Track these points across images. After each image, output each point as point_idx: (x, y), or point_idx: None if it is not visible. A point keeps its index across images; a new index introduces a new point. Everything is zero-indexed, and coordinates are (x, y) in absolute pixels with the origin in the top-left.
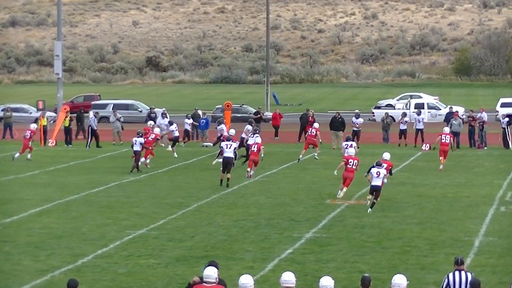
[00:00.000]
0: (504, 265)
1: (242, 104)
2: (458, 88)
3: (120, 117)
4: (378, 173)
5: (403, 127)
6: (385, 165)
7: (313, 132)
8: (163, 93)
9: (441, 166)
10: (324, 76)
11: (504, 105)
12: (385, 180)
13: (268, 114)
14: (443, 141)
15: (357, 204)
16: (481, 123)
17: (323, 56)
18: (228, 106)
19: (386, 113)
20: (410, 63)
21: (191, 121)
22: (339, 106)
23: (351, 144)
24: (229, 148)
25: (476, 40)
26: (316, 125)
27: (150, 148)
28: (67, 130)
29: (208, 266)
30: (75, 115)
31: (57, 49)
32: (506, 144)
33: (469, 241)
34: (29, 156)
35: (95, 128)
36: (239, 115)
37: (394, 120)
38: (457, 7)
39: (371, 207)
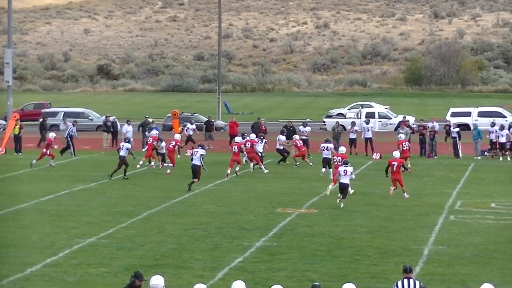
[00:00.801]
0: (453, 274)
1: (194, 113)
2: (409, 97)
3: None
4: (345, 171)
5: (352, 136)
6: (351, 167)
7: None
8: (114, 102)
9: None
10: (275, 85)
11: (454, 114)
12: (353, 176)
13: (220, 123)
14: (404, 148)
15: (307, 213)
16: (433, 133)
17: (275, 65)
18: (175, 114)
19: (337, 122)
20: (362, 72)
21: (193, 126)
22: (290, 115)
23: (327, 147)
24: (196, 155)
25: (427, 50)
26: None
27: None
28: (17, 138)
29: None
30: (39, 123)
31: (8, 56)
32: (456, 154)
33: (419, 249)
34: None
35: (76, 137)
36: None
37: (345, 129)
38: (408, 17)
39: (342, 204)
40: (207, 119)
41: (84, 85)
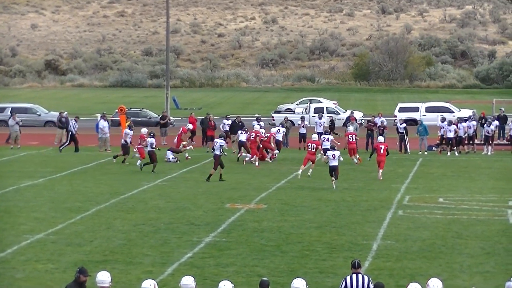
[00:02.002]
0: (401, 268)
1: (142, 108)
2: (357, 93)
3: (20, 121)
4: (333, 155)
5: (303, 131)
6: (337, 151)
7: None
8: (63, 97)
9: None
10: (224, 80)
11: (402, 110)
12: (341, 159)
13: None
14: (350, 140)
15: (256, 208)
16: (382, 128)
17: (223, 60)
18: (121, 110)
19: (286, 118)
20: (310, 67)
21: (229, 121)
22: (239, 110)
23: (328, 138)
24: (216, 145)
25: (374, 45)
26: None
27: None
28: None
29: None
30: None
31: None
32: (404, 149)
33: (367, 244)
34: None
35: (75, 133)
36: (139, 119)
37: (294, 124)
38: (356, 13)
39: (335, 182)
40: (162, 115)
41: (32, 81)
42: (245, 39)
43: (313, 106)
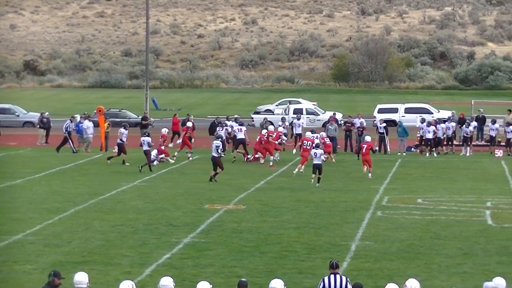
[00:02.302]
0: (380, 269)
1: (121, 109)
2: (337, 94)
3: None
4: (315, 154)
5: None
6: (321, 149)
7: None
8: (42, 97)
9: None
10: (204, 81)
11: (381, 111)
12: (323, 157)
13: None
14: (327, 143)
15: (235, 209)
16: (361, 129)
17: (203, 61)
18: (100, 111)
19: (265, 118)
20: (290, 68)
21: (230, 123)
22: (219, 111)
23: (317, 136)
24: (212, 147)
25: (354, 46)
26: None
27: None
28: None
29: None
30: None
31: None
32: (384, 149)
33: (346, 245)
34: None
35: (66, 133)
36: (118, 119)
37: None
38: (335, 14)
39: (318, 182)
40: (143, 115)
41: (10, 81)
42: (225, 40)
43: (292, 107)
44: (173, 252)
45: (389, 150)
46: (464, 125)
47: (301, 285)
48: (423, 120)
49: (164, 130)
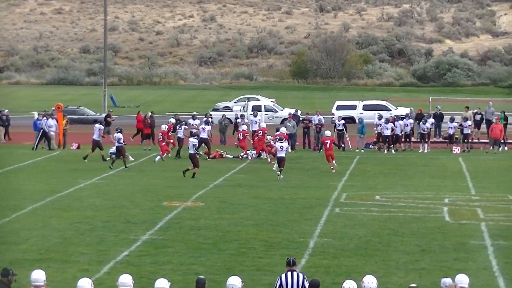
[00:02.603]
0: (338, 266)
1: (79, 106)
2: (295, 91)
3: None
4: (281, 147)
5: (243, 128)
6: (285, 142)
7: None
8: None
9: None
10: (162, 78)
11: (339, 108)
12: (289, 150)
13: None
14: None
15: (194, 206)
16: (319, 126)
17: (161, 58)
18: (58, 108)
19: (223, 115)
20: (248, 65)
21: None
22: (177, 108)
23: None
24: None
25: (312, 43)
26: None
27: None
28: None
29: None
30: None
31: None
32: (342, 146)
33: (304, 242)
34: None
35: (47, 131)
36: (76, 116)
37: (231, 122)
38: (294, 11)
39: (280, 172)
40: (107, 114)
41: None
42: (183, 37)
43: (251, 104)
44: (131, 249)
45: (350, 147)
46: (421, 122)
47: (259, 282)
48: (380, 117)
49: (164, 127)
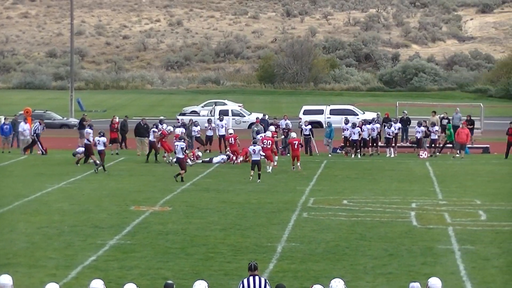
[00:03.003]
0: (306, 270)
1: (46, 110)
2: (262, 95)
3: None
4: (254, 150)
5: (209, 133)
6: (259, 145)
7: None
8: None
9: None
10: (129, 83)
11: (306, 112)
12: (262, 153)
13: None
14: (268, 146)
15: (161, 210)
16: (286, 130)
17: (128, 62)
18: (27, 112)
19: (191, 120)
20: (215, 70)
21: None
22: (144, 112)
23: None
24: (177, 149)
25: (279, 48)
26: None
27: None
28: None
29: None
30: None
31: None
32: (309, 151)
33: (272, 246)
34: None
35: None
36: (44, 121)
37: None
38: (261, 15)
39: (259, 178)
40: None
41: None
42: (150, 41)
43: (218, 108)
44: (99, 254)
45: (317, 152)
46: (386, 126)
47: (226, 286)
48: (347, 121)
49: (178, 130)
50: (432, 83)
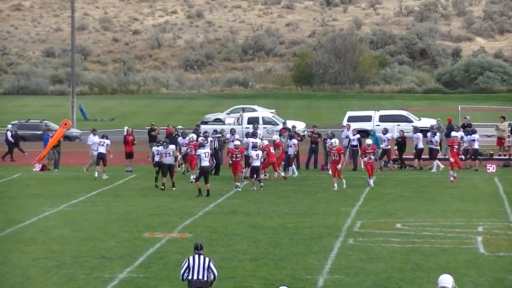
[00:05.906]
0: None
1: (43, 120)
2: (298, 99)
3: None
4: (257, 155)
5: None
6: (260, 151)
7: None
8: None
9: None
10: (141, 86)
11: (351, 119)
12: (263, 159)
13: (75, 131)
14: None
15: (180, 237)
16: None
17: (139, 62)
18: (65, 124)
19: (215, 130)
20: (242, 70)
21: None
22: (159, 121)
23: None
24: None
25: (318, 43)
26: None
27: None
28: None
29: None
30: None
31: None
32: (355, 165)
33: (312, 279)
34: None
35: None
36: (40, 132)
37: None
38: (296, 5)
39: (262, 185)
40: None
41: None
42: (165, 37)
43: (246, 115)
44: None
45: (363, 166)
46: (429, 135)
47: None
48: (386, 131)
49: (198, 138)
50: (500, 83)
